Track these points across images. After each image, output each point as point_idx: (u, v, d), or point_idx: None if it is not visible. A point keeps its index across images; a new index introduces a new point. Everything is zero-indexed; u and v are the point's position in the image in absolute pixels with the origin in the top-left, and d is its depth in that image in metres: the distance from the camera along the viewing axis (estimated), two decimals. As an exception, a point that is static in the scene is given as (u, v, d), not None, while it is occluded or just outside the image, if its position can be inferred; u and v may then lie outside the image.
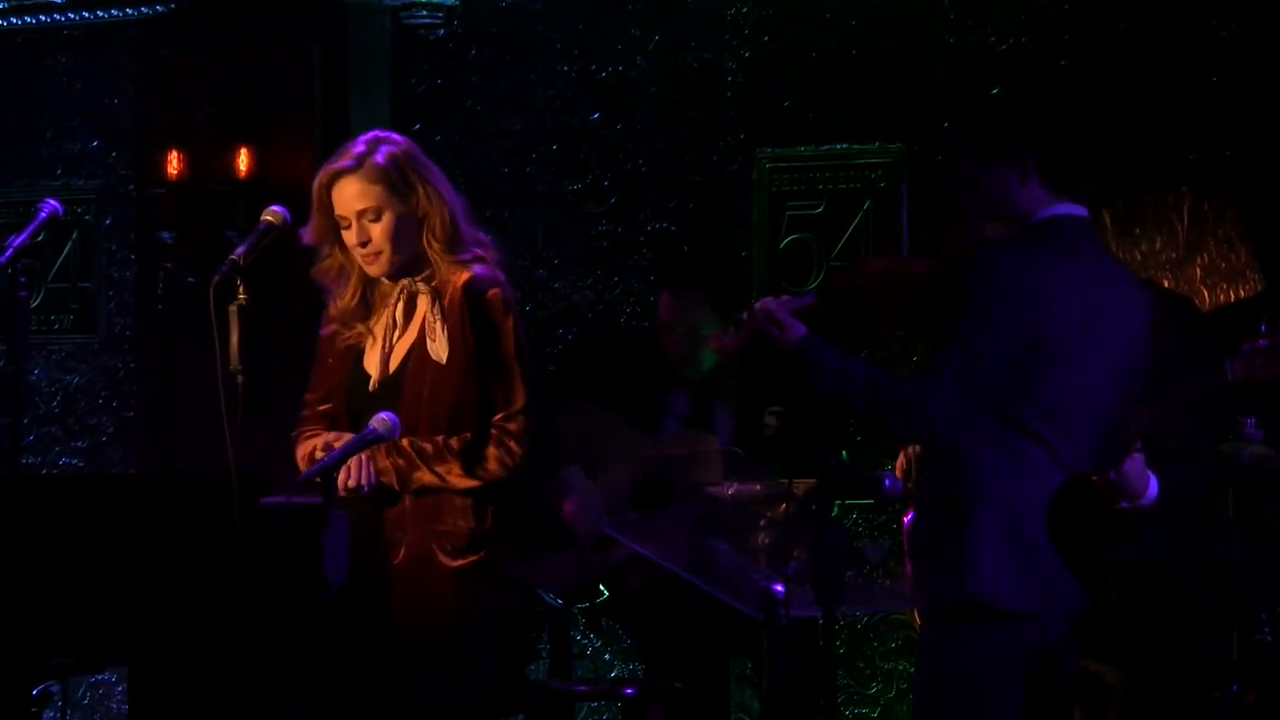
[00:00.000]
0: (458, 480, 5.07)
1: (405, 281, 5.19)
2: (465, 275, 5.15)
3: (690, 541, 5.04)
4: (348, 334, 5.24)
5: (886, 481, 4.74)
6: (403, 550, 5.10)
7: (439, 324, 5.13)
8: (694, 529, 5.04)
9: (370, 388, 5.18)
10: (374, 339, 5.21)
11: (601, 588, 6.71)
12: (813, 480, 4.68)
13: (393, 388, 5.15)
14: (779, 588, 4.74)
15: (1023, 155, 4.59)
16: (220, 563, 5.44)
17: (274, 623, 4.91)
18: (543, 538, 6.54)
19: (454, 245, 5.19)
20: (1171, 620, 5.51)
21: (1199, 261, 7.00)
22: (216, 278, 5.02)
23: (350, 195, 5.15)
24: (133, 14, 8.27)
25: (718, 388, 6.69)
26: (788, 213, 7.58)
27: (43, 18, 8.47)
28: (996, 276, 4.49)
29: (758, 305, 4.66)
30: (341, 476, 5.05)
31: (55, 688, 5.95)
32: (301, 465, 5.24)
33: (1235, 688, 5.00)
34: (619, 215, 7.79)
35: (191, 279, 7.75)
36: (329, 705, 5.05)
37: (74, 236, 8.52)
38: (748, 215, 7.62)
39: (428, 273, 5.18)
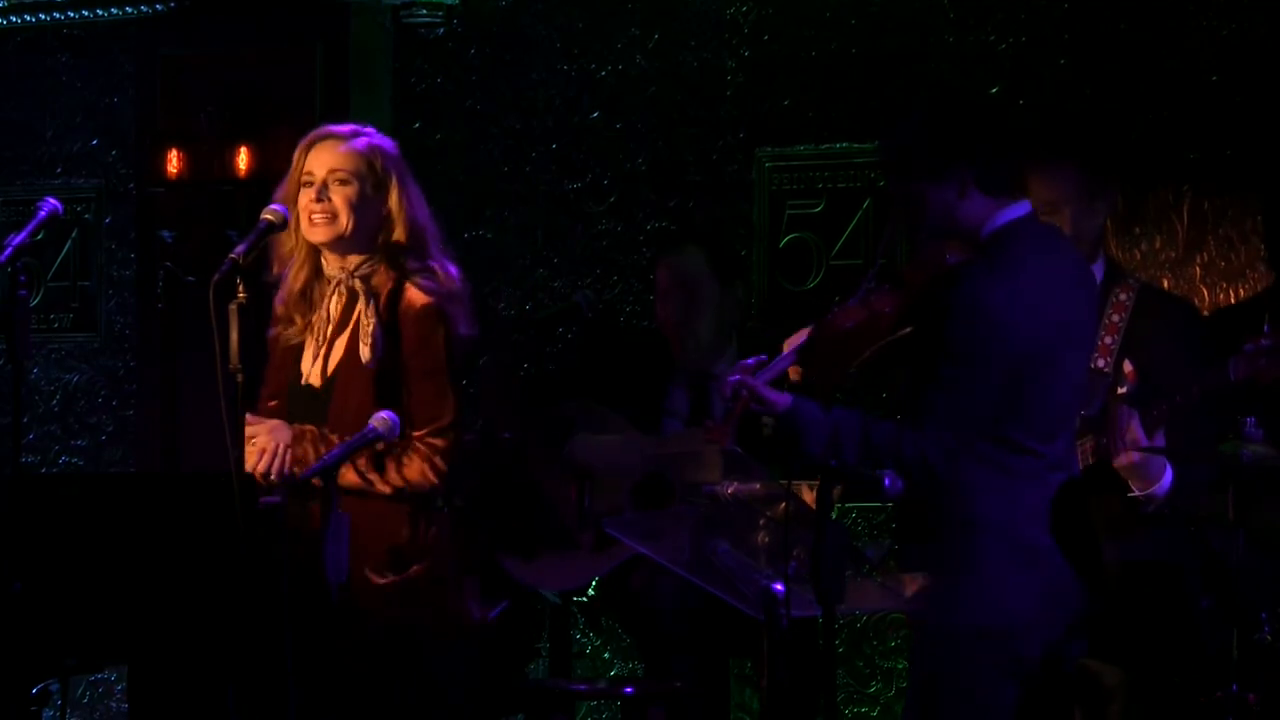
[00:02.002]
0: (380, 485, 5.06)
1: (343, 275, 5.16)
2: (406, 285, 5.13)
3: (691, 541, 5.04)
4: (288, 332, 5.21)
5: (886, 481, 4.74)
6: (369, 556, 5.08)
7: (371, 325, 5.10)
8: (694, 528, 5.04)
9: (303, 385, 5.17)
10: (312, 336, 5.19)
11: (591, 588, 6.71)
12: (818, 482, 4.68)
13: (329, 389, 5.14)
14: (779, 587, 4.74)
15: (959, 171, 4.55)
16: (220, 562, 5.43)
17: (274, 622, 4.90)
18: (543, 537, 6.54)
19: (411, 258, 5.15)
20: (1171, 620, 5.50)
21: (1199, 261, 7.00)
22: (216, 276, 5.02)
23: (327, 157, 5.15)
24: (133, 13, 8.27)
25: (717, 384, 6.67)
26: (787, 212, 7.58)
27: (43, 16, 8.46)
28: (970, 311, 4.45)
29: (735, 384, 4.63)
30: (251, 460, 5.04)
31: (55, 686, 5.95)
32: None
33: (1235, 687, 5.00)
34: (619, 214, 7.79)
35: (191, 278, 7.74)
36: (330, 705, 5.05)
37: (74, 235, 8.52)
38: (747, 214, 7.62)
39: (368, 272, 5.15)
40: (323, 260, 5.19)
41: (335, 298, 5.17)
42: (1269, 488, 5.07)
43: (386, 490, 5.09)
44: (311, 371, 5.17)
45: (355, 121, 5.32)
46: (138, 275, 8.26)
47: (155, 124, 8.10)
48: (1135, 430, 5.10)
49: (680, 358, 6.66)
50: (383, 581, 5.08)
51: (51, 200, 5.31)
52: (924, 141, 4.63)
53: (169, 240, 7.95)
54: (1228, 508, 4.99)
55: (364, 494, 5.08)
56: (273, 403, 5.26)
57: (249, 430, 5.11)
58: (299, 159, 5.18)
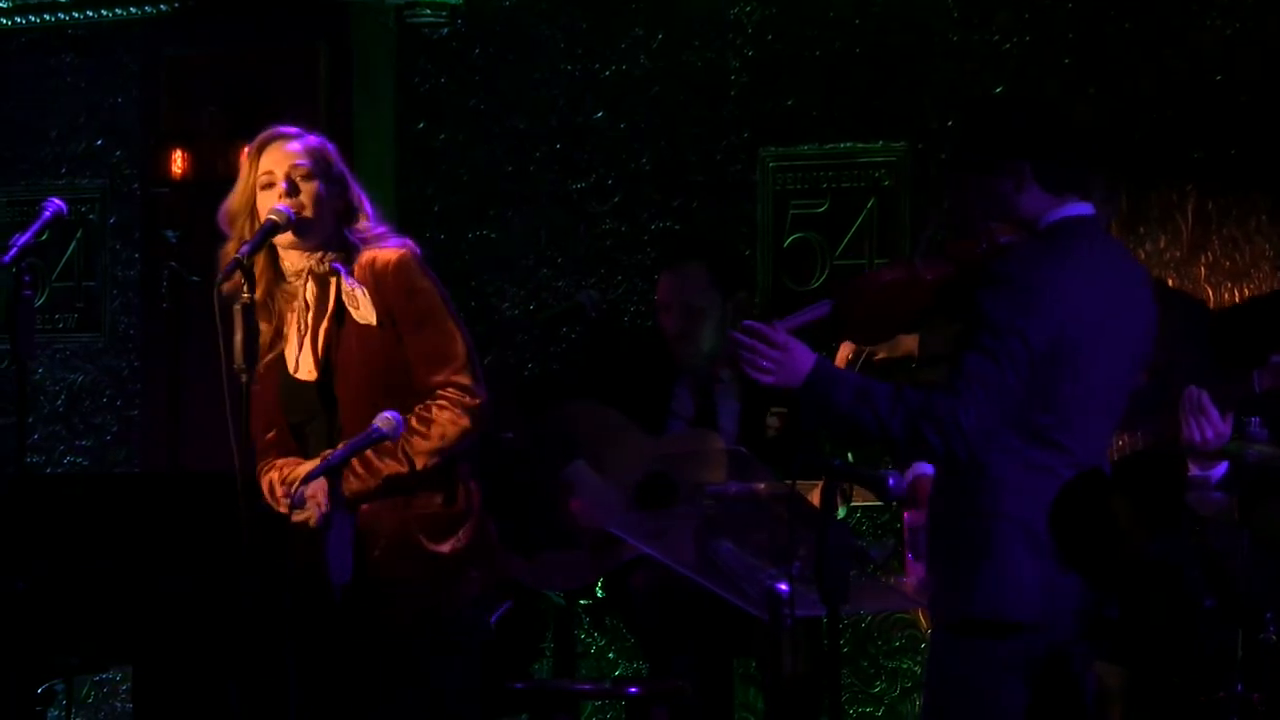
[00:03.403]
0: (424, 456, 4.99)
1: (310, 263, 5.11)
2: (368, 250, 5.09)
3: (695, 541, 5.04)
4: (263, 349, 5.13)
5: (891, 481, 4.74)
6: (381, 540, 5.04)
7: (358, 290, 5.06)
8: (699, 528, 5.04)
9: (295, 379, 5.10)
10: (289, 338, 5.13)
11: (598, 589, 6.71)
12: (821, 481, 4.67)
13: (331, 374, 5.08)
14: (783, 587, 4.74)
15: (1017, 165, 4.58)
16: (224, 562, 5.45)
17: (278, 623, 4.90)
18: (545, 537, 6.54)
19: (370, 231, 5.13)
20: (1175, 620, 5.51)
21: (1203, 260, 7.00)
22: (221, 277, 5.01)
23: (283, 155, 5.09)
24: (137, 13, 8.27)
25: (722, 386, 6.67)
26: (791, 212, 7.58)
27: (47, 17, 8.47)
28: (1013, 287, 4.47)
29: (764, 333, 4.57)
30: (315, 515, 4.99)
31: (59, 686, 5.96)
32: (269, 497, 5.14)
33: (1240, 687, 5.00)
34: (622, 214, 7.79)
35: (196, 278, 7.75)
36: (333, 705, 5.04)
37: (78, 235, 8.52)
38: (751, 214, 7.62)
39: (335, 258, 5.12)
40: (282, 262, 5.14)
41: (309, 287, 5.12)
42: (1274, 488, 5.08)
43: (424, 461, 5.00)
44: (301, 364, 5.13)
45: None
46: (142, 275, 8.26)
47: (159, 124, 8.11)
48: (1208, 405, 5.12)
49: (682, 365, 6.67)
50: (444, 549, 5.04)
51: (56, 200, 5.31)
52: (982, 134, 4.67)
53: (173, 240, 7.95)
54: (1233, 508, 4.99)
55: (405, 489, 5.02)
56: (270, 435, 5.16)
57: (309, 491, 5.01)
58: (251, 163, 5.12)
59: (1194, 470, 5.31)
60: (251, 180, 5.11)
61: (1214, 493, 5.30)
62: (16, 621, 5.12)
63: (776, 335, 4.49)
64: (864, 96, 7.44)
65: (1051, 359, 4.46)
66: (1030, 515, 4.47)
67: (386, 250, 5.09)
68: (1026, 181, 4.57)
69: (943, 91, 7.29)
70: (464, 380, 5.03)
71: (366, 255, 5.09)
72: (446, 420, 5.01)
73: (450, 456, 5.05)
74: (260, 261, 5.09)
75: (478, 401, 5.03)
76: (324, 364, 5.08)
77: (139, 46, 8.31)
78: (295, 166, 5.07)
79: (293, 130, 5.15)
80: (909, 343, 5.83)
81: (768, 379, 4.48)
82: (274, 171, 5.08)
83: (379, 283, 5.05)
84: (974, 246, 4.63)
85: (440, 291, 5.10)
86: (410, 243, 5.17)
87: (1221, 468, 5.29)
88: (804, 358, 4.49)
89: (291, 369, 5.11)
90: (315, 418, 5.10)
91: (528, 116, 7.91)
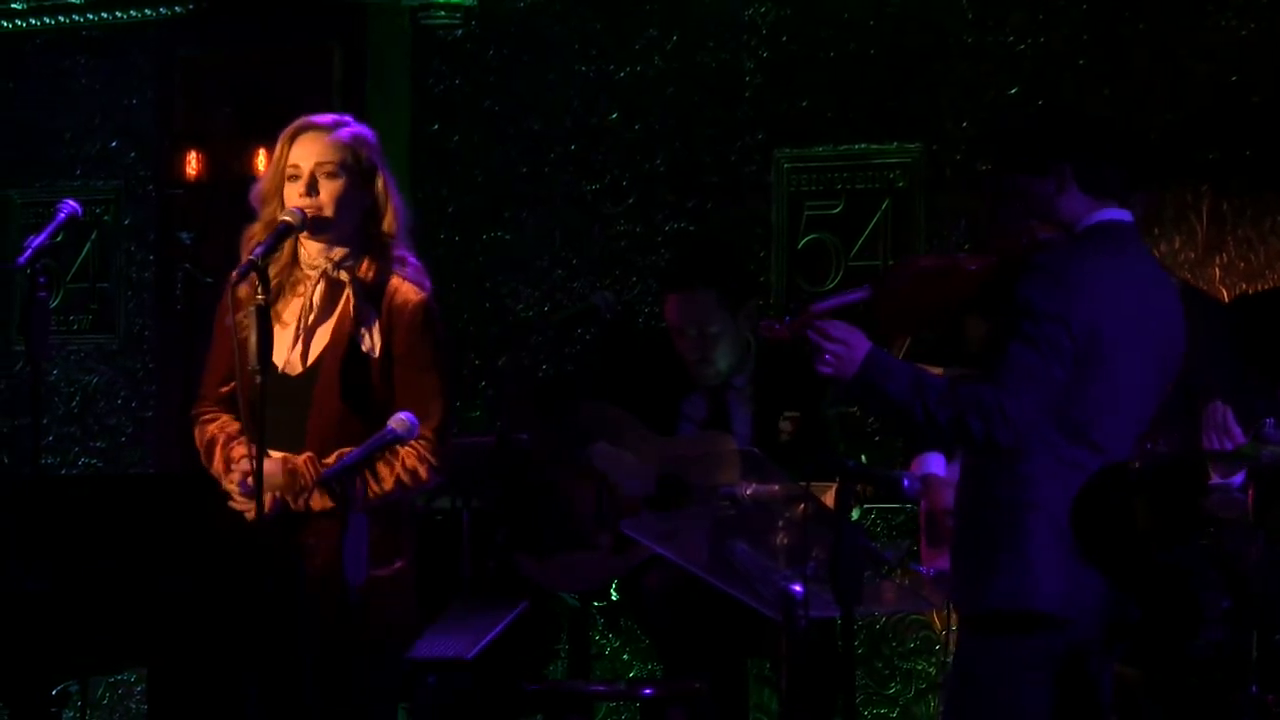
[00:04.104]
0: (374, 486, 5.03)
1: (327, 265, 5.14)
2: (396, 279, 5.11)
3: (709, 542, 5.04)
4: (246, 320, 5.06)
5: (905, 482, 4.73)
6: (319, 558, 5.05)
7: (368, 315, 5.08)
8: (713, 529, 5.04)
9: (283, 373, 5.10)
10: (282, 324, 5.13)
11: (613, 591, 6.71)
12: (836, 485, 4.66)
13: (314, 377, 5.10)
14: (798, 588, 4.74)
15: (1059, 167, 4.60)
16: (237, 562, 5.45)
17: (291, 623, 4.90)
18: (559, 538, 6.54)
19: (398, 244, 5.15)
20: (1189, 620, 5.50)
21: (1218, 261, 6.99)
22: (235, 278, 5.02)
23: (313, 149, 5.11)
24: (152, 14, 8.29)
25: (735, 391, 6.67)
26: (806, 213, 7.58)
27: (62, 18, 8.48)
28: (1054, 278, 4.49)
29: (813, 313, 4.58)
30: (254, 510, 4.99)
31: (74, 687, 5.95)
32: (201, 449, 5.23)
33: (1254, 689, 4.99)
34: (637, 215, 7.79)
35: (210, 279, 7.75)
36: (343, 705, 5.05)
37: (93, 237, 8.53)
38: (766, 215, 7.61)
39: (353, 263, 5.14)
40: (301, 250, 5.15)
41: (319, 287, 5.13)
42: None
43: (384, 489, 5.06)
44: (290, 360, 5.13)
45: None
46: (156, 277, 8.27)
47: (174, 125, 8.12)
48: (1231, 423, 5.14)
49: (698, 382, 6.64)
50: (385, 573, 5.07)
51: (71, 202, 5.32)
52: (1027, 135, 4.70)
53: (188, 241, 7.96)
54: (1247, 509, 4.99)
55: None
56: (225, 388, 5.17)
57: (245, 467, 5.05)
58: (282, 151, 5.14)
59: (1215, 479, 5.31)
60: (281, 167, 5.13)
61: (1237, 494, 5.30)
62: (29, 622, 5.13)
63: (835, 330, 4.52)
64: (879, 97, 7.43)
65: (1085, 356, 4.48)
66: (1059, 509, 4.48)
67: (409, 287, 5.12)
68: (1068, 183, 4.60)
69: (957, 93, 7.29)
70: (437, 438, 5.08)
71: (392, 283, 5.10)
72: (413, 465, 5.07)
73: (397, 499, 5.11)
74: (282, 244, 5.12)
75: (441, 462, 5.10)
76: (314, 365, 5.09)
77: (153, 48, 8.32)
78: (320, 164, 5.09)
79: (327, 121, 5.16)
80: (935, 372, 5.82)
81: (826, 370, 4.53)
82: (299, 165, 5.10)
83: (394, 317, 5.08)
84: (1015, 242, 4.64)
85: (447, 347, 5.16)
86: (429, 284, 5.18)
87: (1242, 476, 5.29)
88: (860, 347, 4.53)
89: (282, 361, 5.12)
90: (277, 409, 5.06)
91: (542, 118, 7.91)
